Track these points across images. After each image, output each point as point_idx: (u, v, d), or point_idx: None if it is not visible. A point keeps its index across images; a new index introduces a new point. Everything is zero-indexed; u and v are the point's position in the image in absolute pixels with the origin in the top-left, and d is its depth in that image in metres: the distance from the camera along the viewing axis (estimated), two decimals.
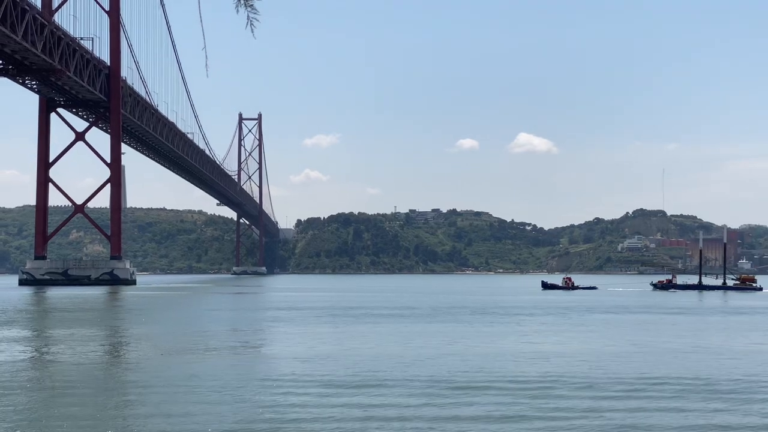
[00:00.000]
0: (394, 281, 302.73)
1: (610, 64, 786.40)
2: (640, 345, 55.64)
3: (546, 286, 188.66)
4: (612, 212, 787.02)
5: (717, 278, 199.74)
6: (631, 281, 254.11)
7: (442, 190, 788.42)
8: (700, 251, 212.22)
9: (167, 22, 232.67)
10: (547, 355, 48.26)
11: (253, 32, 22.91)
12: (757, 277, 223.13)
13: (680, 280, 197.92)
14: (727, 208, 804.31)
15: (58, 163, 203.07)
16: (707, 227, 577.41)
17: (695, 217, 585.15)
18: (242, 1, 22.63)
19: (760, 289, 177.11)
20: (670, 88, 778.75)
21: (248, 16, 22.68)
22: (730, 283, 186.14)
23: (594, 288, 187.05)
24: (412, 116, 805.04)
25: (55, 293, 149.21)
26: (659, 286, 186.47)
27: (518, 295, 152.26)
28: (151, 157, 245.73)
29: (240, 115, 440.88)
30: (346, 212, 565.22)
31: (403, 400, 32.32)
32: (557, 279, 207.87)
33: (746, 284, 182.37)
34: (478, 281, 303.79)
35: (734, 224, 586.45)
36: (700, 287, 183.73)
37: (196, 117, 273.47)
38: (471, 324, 74.69)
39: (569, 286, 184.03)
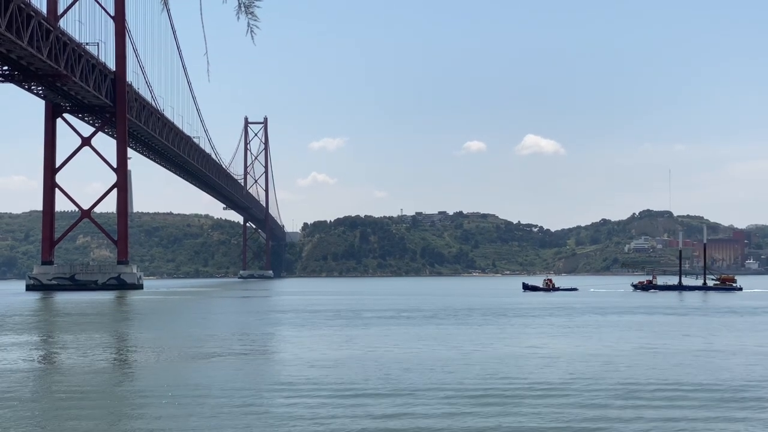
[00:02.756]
0: (399, 284, 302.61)
1: (618, 66, 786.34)
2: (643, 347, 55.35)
3: (527, 287, 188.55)
4: (619, 213, 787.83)
5: (697, 279, 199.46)
6: (614, 282, 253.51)
7: (449, 193, 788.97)
8: (680, 252, 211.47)
9: (173, 27, 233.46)
10: (548, 358, 48.03)
11: (253, 39, 22.82)
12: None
13: (660, 280, 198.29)
14: (735, 209, 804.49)
15: (64, 168, 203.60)
16: (714, 228, 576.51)
17: (702, 217, 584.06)
18: (242, 9, 22.52)
19: (740, 289, 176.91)
20: (678, 88, 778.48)
21: (248, 23, 22.58)
22: (710, 283, 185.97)
23: (575, 289, 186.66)
24: (419, 119, 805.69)
25: (63, 298, 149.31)
26: (640, 287, 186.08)
27: (498, 297, 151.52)
28: (157, 162, 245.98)
29: (246, 118, 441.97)
30: (353, 215, 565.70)
31: (419, 408, 32.03)
32: (563, 280, 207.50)
33: (726, 284, 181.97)
34: (477, 283, 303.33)
35: (741, 224, 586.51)
36: (680, 288, 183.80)
37: (201, 121, 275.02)
38: (460, 326, 74.46)
39: (550, 287, 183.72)
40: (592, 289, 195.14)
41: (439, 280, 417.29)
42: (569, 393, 34.69)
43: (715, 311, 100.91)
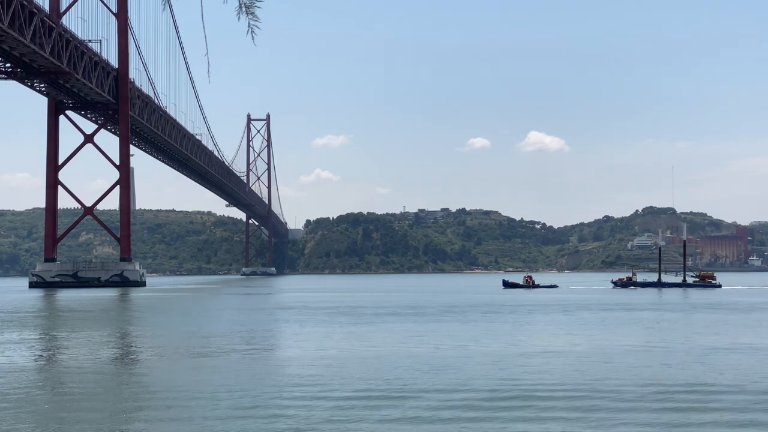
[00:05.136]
0: (402, 281, 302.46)
1: (622, 63, 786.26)
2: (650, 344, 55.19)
3: (507, 284, 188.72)
4: (622, 210, 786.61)
5: (677, 275, 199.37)
6: (600, 279, 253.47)
7: (453, 190, 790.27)
8: (660, 249, 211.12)
9: (175, 24, 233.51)
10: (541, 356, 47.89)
11: (253, 39, 22.72)
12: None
13: (640, 277, 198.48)
14: (738, 206, 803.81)
15: (67, 165, 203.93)
16: (717, 224, 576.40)
17: (705, 214, 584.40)
18: (243, 9, 22.42)
19: (719, 286, 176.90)
20: (681, 86, 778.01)
21: (249, 23, 22.48)
22: (689, 280, 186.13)
23: (554, 286, 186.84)
24: (422, 116, 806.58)
25: (66, 295, 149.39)
26: (619, 284, 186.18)
27: (479, 294, 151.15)
28: (159, 159, 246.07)
29: (248, 115, 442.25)
30: (356, 212, 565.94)
31: (425, 408, 31.89)
32: (562, 277, 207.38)
33: (706, 281, 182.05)
34: (472, 280, 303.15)
35: (744, 221, 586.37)
36: (659, 285, 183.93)
37: (204, 118, 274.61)
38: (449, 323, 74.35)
39: (530, 284, 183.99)
40: (572, 287, 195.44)
41: (440, 277, 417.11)
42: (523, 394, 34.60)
43: (668, 307, 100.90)
